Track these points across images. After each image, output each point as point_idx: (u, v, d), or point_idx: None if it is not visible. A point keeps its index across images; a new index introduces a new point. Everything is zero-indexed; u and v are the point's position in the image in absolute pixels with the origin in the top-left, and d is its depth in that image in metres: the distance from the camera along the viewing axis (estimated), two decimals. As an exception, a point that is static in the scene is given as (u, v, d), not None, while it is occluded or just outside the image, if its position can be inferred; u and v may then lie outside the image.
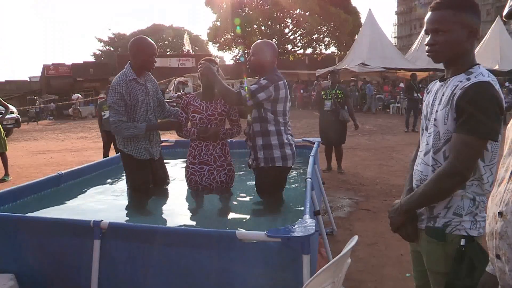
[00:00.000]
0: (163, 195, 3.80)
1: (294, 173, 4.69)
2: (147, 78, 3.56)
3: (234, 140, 4.51)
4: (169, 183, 3.90)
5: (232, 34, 31.45)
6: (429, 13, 1.80)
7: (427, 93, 1.94)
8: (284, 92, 3.16)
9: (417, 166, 1.91)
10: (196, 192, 3.47)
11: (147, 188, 3.57)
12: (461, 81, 1.69)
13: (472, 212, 1.72)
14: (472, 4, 1.74)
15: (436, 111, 1.77)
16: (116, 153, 6.25)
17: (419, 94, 13.58)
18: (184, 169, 3.45)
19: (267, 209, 3.38)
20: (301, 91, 26.19)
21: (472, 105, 1.61)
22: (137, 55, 3.42)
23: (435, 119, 1.78)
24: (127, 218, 3.34)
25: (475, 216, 1.73)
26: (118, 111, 3.34)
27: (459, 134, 1.65)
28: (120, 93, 3.32)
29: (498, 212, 1.26)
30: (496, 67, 20.02)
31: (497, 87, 1.67)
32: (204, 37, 41.34)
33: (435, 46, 1.76)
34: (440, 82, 1.85)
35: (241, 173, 4.55)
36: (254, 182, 3.43)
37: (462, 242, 1.71)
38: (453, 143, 1.68)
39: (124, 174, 3.75)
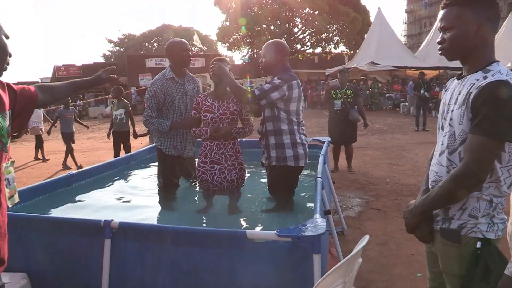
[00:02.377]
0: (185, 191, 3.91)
1: (304, 172, 4.67)
2: (187, 78, 3.73)
3: (244, 139, 4.51)
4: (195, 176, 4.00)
5: (241, 34, 31.46)
6: (440, 12, 1.78)
7: (445, 91, 1.88)
8: (298, 92, 3.18)
9: (432, 167, 1.87)
10: (206, 192, 3.47)
11: (174, 180, 3.73)
12: (477, 80, 1.63)
13: (489, 214, 1.66)
14: None
15: (452, 111, 1.72)
16: (126, 153, 6.29)
17: (426, 93, 13.51)
18: (195, 168, 3.47)
19: (277, 208, 3.38)
20: (308, 91, 25.99)
21: (488, 105, 1.56)
22: (171, 53, 3.62)
23: (450, 119, 1.73)
24: (138, 218, 3.35)
25: (492, 218, 1.67)
26: (149, 107, 3.57)
27: (474, 135, 1.60)
28: (153, 91, 3.54)
29: None
30: (509, 65, 19.77)
31: None
32: (213, 37, 41.37)
33: (444, 44, 1.75)
34: (457, 80, 1.79)
35: (251, 172, 4.55)
36: (264, 182, 3.43)
37: (478, 244, 1.66)
38: (468, 144, 1.63)
39: (135, 173, 3.79)
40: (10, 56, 1.73)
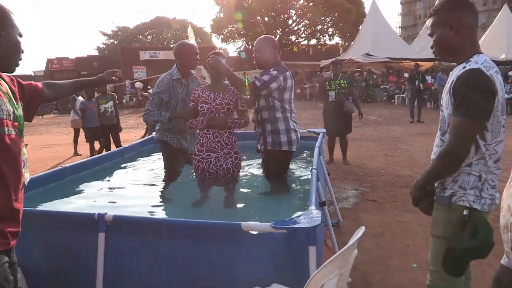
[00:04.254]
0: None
1: (299, 164, 4.67)
2: (191, 79, 3.92)
3: (239, 131, 4.51)
4: None
5: (236, 25, 31.30)
6: None
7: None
8: (290, 82, 3.42)
9: (434, 147, 2.13)
10: (202, 183, 3.50)
11: (177, 170, 3.96)
12: (459, 70, 1.93)
13: (478, 187, 1.92)
14: (445, 3, 2.00)
15: (442, 98, 2.04)
16: (117, 147, 6.27)
17: (421, 84, 13.53)
18: (192, 157, 3.50)
19: (272, 191, 3.56)
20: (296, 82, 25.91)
21: (463, 91, 1.85)
22: (181, 56, 3.79)
23: (441, 105, 2.06)
24: (132, 211, 3.33)
25: (480, 192, 1.92)
26: (152, 102, 3.76)
27: (454, 117, 1.89)
28: (159, 90, 3.74)
29: None
30: (503, 56, 19.79)
31: (490, 72, 1.86)
32: (208, 29, 41.19)
33: (433, 49, 2.11)
34: (451, 72, 2.09)
35: (246, 164, 4.54)
36: (259, 174, 3.47)
37: (465, 212, 1.91)
38: (451, 126, 1.91)
39: (129, 166, 3.82)
40: (22, 52, 1.85)
